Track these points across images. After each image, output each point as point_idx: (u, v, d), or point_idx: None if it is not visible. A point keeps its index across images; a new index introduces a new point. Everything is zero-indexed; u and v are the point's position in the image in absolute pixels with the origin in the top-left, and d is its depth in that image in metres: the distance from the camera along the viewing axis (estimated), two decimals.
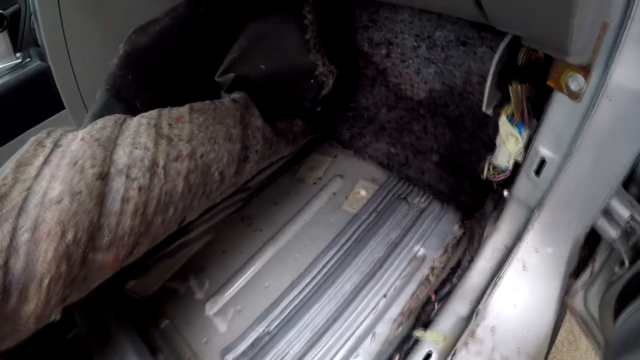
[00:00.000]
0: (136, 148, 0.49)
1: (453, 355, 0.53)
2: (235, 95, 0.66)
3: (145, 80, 0.80)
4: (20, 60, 0.92)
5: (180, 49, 0.81)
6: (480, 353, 0.53)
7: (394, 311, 0.67)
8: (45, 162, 0.46)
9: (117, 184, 0.46)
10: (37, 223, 0.41)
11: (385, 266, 0.71)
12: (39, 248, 0.41)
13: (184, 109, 0.59)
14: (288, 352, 0.67)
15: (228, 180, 0.55)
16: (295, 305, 0.70)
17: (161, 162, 0.48)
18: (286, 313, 0.70)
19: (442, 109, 0.84)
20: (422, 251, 0.72)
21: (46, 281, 0.41)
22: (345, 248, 0.74)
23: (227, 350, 0.70)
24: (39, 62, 0.89)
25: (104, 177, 0.46)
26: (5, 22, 0.87)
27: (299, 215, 0.80)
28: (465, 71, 0.83)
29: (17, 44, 1.01)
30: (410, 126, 0.85)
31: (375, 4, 0.95)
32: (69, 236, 0.42)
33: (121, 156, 0.48)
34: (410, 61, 0.89)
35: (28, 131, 0.85)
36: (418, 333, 0.59)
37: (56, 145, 0.49)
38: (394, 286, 0.70)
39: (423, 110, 0.85)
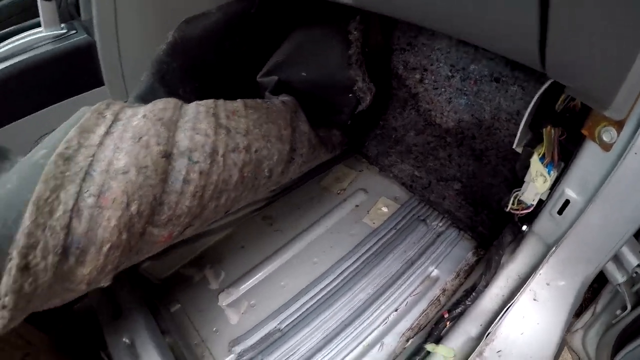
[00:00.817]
0: (197, 133, 0.55)
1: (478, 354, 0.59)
2: (285, 98, 0.73)
3: (190, 70, 0.87)
4: (65, 31, 0.97)
5: (227, 45, 0.87)
6: None
7: (404, 325, 0.73)
8: (107, 132, 0.51)
9: (180, 165, 0.51)
10: (103, 190, 0.46)
11: (399, 282, 0.77)
12: (102, 214, 0.46)
13: (239, 104, 0.65)
14: (297, 350, 0.73)
15: (274, 178, 0.60)
16: (309, 307, 0.76)
17: (220, 151, 0.53)
18: (299, 313, 0.76)
19: (468, 140, 0.92)
20: (435, 272, 0.79)
21: (106, 247, 0.46)
22: (362, 259, 0.80)
23: (236, 341, 0.75)
24: (85, 35, 0.95)
25: (167, 156, 0.51)
26: None
27: (321, 222, 0.86)
28: (495, 107, 0.91)
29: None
30: (436, 152, 0.92)
31: (414, 29, 1.04)
32: (133, 207, 0.47)
33: (183, 139, 0.54)
34: (443, 89, 0.97)
35: (64, 102, 0.90)
36: (429, 347, 0.65)
37: (116, 118, 0.54)
38: (405, 302, 0.76)
39: (450, 139, 0.93)
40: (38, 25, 0.99)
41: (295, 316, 0.76)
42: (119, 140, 0.50)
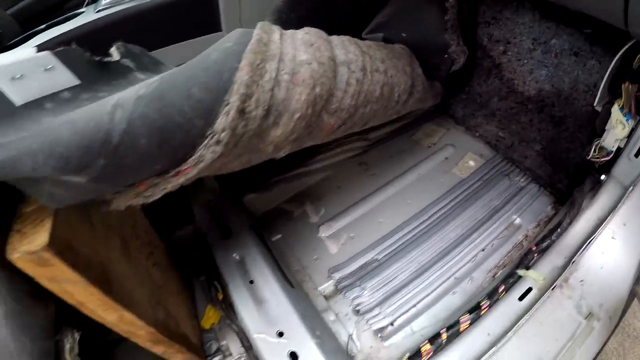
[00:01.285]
0: (349, 52, 0.71)
1: (552, 291, 0.74)
2: (400, 45, 0.89)
3: (305, 21, 1.03)
4: None
5: (339, 2, 1.04)
6: (571, 297, 0.75)
7: (490, 263, 0.90)
8: (281, 36, 0.66)
9: (342, 71, 0.67)
10: (294, 72, 0.61)
11: (485, 226, 0.94)
12: (295, 89, 0.61)
13: (368, 42, 0.81)
14: (393, 279, 0.89)
15: (399, 105, 0.77)
16: (405, 242, 0.93)
17: (368, 68, 0.70)
18: (395, 246, 0.92)
19: (548, 108, 1.08)
20: (518, 220, 0.95)
21: (296, 116, 0.61)
22: (452, 204, 0.97)
23: (335, 269, 0.91)
24: None
25: (334, 60, 0.67)
26: None
27: (413, 170, 1.05)
28: (574, 79, 1.08)
29: None
30: (518, 117, 1.09)
31: (500, 4, 1.21)
32: (317, 90, 0.62)
33: (339, 54, 0.70)
34: (525, 61, 1.14)
35: (180, 43, 1.06)
36: (521, 272, 0.81)
37: (281, 32, 0.69)
38: (492, 243, 0.92)
39: (531, 106, 1.09)
40: None
41: (392, 249, 0.93)
42: (294, 44, 0.66)
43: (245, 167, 0.66)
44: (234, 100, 0.50)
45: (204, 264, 0.97)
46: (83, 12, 1.14)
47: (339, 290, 0.89)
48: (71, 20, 1.13)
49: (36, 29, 1.17)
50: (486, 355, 0.70)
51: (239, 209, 0.96)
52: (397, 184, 1.01)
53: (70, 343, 0.66)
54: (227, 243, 0.90)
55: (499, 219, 0.97)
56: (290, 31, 0.71)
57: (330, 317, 0.87)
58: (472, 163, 1.04)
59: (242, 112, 0.51)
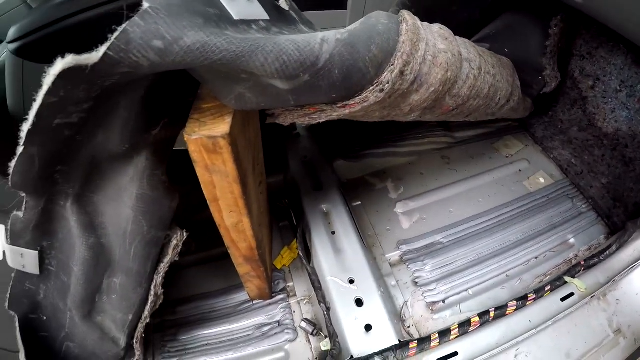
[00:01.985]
0: (470, 52, 0.96)
1: (590, 300, 1.00)
2: (506, 57, 1.15)
3: (423, 18, 1.29)
4: None
5: (454, 8, 1.30)
6: (606, 311, 1.00)
7: (540, 270, 1.14)
8: (423, 26, 0.90)
9: (465, 65, 0.91)
10: (435, 55, 0.82)
11: (542, 237, 1.18)
12: (434, 69, 0.81)
13: (482, 48, 1.07)
14: (452, 262, 1.14)
15: (497, 107, 1.01)
16: (469, 233, 1.17)
17: (483, 69, 0.93)
18: (460, 235, 1.17)
19: (621, 147, 1.32)
20: (572, 240, 1.19)
21: (431, 89, 0.82)
22: (517, 211, 1.21)
23: (404, 242, 1.17)
24: None
25: (460, 55, 0.92)
26: None
27: (489, 173, 1.26)
28: None
29: None
30: (592, 149, 1.32)
31: (597, 41, 1.45)
32: (449, 74, 0.85)
33: (463, 51, 0.93)
34: (610, 100, 1.38)
35: (308, 12, 1.33)
36: (567, 278, 1.05)
37: (422, 23, 0.94)
38: (545, 254, 1.17)
39: (606, 142, 1.33)
40: None
41: (457, 236, 1.17)
42: (432, 34, 0.90)
43: (382, 120, 0.91)
44: (398, 63, 0.74)
45: (290, 210, 1.24)
46: None
47: (403, 261, 1.12)
48: None
49: None
50: (525, 336, 0.94)
51: (331, 169, 1.21)
52: (472, 182, 1.25)
53: (176, 240, 0.92)
54: (317, 195, 1.13)
55: (556, 234, 1.19)
56: (426, 23, 0.96)
57: (391, 282, 1.09)
58: (542, 180, 1.26)
59: (401, 73, 0.75)
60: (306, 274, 1.09)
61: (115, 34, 0.41)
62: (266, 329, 1.06)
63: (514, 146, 1.34)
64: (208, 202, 0.67)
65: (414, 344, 0.87)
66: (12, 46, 1.38)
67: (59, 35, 1.34)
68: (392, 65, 0.68)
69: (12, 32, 1.38)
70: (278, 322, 1.07)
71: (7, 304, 0.85)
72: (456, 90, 0.87)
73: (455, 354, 0.86)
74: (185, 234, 0.82)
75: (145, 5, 0.43)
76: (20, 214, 0.70)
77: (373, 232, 1.17)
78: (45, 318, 0.90)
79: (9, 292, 0.85)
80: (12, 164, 0.56)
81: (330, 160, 1.25)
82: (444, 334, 0.89)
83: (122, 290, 0.82)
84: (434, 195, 1.22)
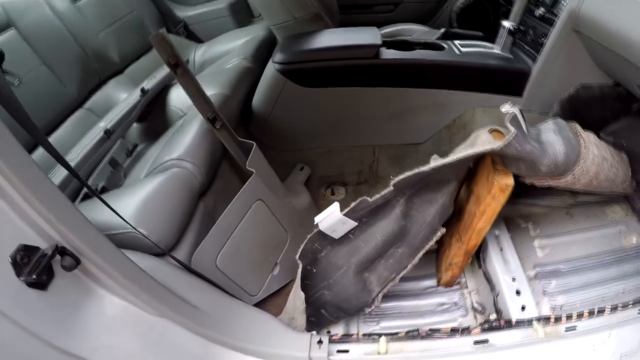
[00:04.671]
0: (606, 153, 2.01)
1: None
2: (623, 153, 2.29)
3: (574, 114, 2.45)
4: (512, 57, 2.53)
5: (605, 114, 2.46)
6: None
7: (626, 298, 2.26)
8: (586, 136, 2.03)
9: (605, 162, 1.88)
10: (593, 158, 1.84)
11: (630, 277, 2.21)
12: (592, 166, 1.79)
13: (611, 148, 2.19)
14: (568, 283, 2.22)
15: (615, 186, 2.11)
16: (581, 266, 2.25)
17: (612, 164, 1.97)
18: (572, 267, 2.23)
19: None
20: None
21: (588, 177, 1.86)
22: (615, 258, 2.24)
23: (538, 265, 2.17)
24: (524, 65, 2.55)
25: (601, 156, 2.04)
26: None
27: (597, 229, 2.21)
28: None
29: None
30: None
31: None
32: (597, 168, 1.75)
33: (604, 154, 2.01)
34: None
35: (481, 94, 2.56)
36: None
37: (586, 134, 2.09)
38: (630, 290, 2.28)
39: None
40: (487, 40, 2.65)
41: (573, 267, 2.25)
42: (590, 142, 2.00)
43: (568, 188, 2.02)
44: (581, 163, 1.83)
45: None
46: (445, 47, 2.49)
47: (536, 277, 2.03)
48: (437, 52, 2.51)
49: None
50: (611, 324, 2.03)
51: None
52: (586, 233, 2.16)
53: (440, 232, 2.02)
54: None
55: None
56: (586, 133, 2.09)
57: (530, 289, 2.23)
58: (634, 240, 2.22)
59: (582, 169, 1.84)
60: (474, 275, 2.22)
61: (507, 139, 1.53)
62: (446, 306, 2.12)
63: (618, 212, 2.41)
64: (478, 213, 1.76)
65: (552, 319, 1.96)
66: (280, 67, 2.53)
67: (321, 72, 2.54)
68: (579, 165, 1.79)
69: (281, 56, 2.54)
70: (455, 302, 2.16)
71: (297, 255, 1.70)
72: (599, 177, 2.00)
73: (574, 328, 1.94)
74: (444, 230, 1.96)
75: (512, 130, 1.56)
76: (370, 199, 1.52)
77: (517, 256, 2.31)
78: (314, 270, 1.78)
79: (301, 247, 1.75)
80: (407, 174, 1.58)
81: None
82: (569, 317, 1.99)
83: (400, 257, 1.89)
84: (560, 238, 2.26)
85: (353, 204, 1.56)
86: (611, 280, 2.18)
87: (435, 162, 1.44)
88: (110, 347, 1.12)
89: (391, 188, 1.51)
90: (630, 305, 1.83)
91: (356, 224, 1.69)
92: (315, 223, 1.57)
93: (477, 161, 1.67)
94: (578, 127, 1.74)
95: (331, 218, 1.55)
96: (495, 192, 1.52)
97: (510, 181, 1.51)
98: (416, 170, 1.40)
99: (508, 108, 1.43)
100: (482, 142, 1.49)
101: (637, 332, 1.69)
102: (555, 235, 2.19)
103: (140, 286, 1.14)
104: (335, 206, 1.56)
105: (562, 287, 2.13)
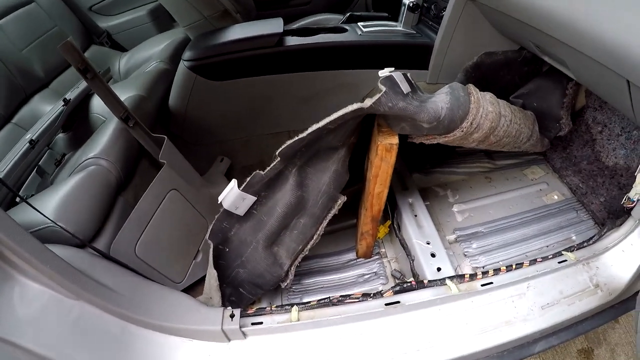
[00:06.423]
0: (506, 110, 2.00)
1: (578, 264, 2.11)
2: (530, 112, 2.32)
3: (479, 79, 2.47)
4: (414, 32, 2.50)
5: (502, 73, 2.51)
6: (588, 272, 1.86)
7: (548, 253, 2.28)
8: (480, 95, 2.06)
9: (502, 119, 1.78)
10: (486, 114, 1.65)
11: (552, 234, 2.11)
12: (485, 122, 1.61)
13: (514, 106, 2.21)
14: (490, 244, 2.14)
15: (520, 143, 2.03)
16: (501, 227, 2.18)
17: (512, 120, 1.76)
18: (495, 227, 2.19)
19: (618, 176, 2.37)
20: (574, 237, 2.18)
21: (483, 133, 1.75)
22: (536, 215, 2.22)
23: (458, 229, 2.15)
24: (427, 39, 2.57)
25: (499, 113, 2.06)
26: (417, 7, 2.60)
27: (518, 190, 2.13)
28: None
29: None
30: (595, 177, 2.37)
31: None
32: (492, 124, 1.58)
33: (502, 111, 1.92)
34: (612, 141, 2.44)
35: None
36: (563, 251, 2.13)
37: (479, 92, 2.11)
38: (553, 245, 2.23)
39: (607, 172, 2.37)
40: (393, 20, 2.68)
41: (493, 228, 2.14)
42: (484, 100, 1.95)
43: (460, 145, 1.86)
44: (469, 119, 1.75)
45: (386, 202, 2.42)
46: (347, 30, 2.47)
47: (457, 240, 1.97)
48: (338, 34, 2.57)
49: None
50: (533, 277, 2.04)
51: (411, 178, 2.31)
52: (506, 195, 2.12)
53: (340, 200, 1.74)
54: (405, 192, 2.05)
55: (562, 233, 2.04)
56: (482, 93, 2.12)
57: (450, 252, 2.21)
58: (555, 197, 2.16)
59: (470, 124, 1.83)
60: (393, 244, 2.24)
61: (376, 97, 1.50)
62: (367, 276, 2.08)
63: (537, 173, 2.44)
64: (371, 177, 1.64)
65: (467, 276, 1.96)
66: (189, 64, 2.53)
67: (228, 64, 2.59)
68: (467, 120, 1.74)
69: (189, 54, 2.54)
70: (375, 272, 2.15)
71: (207, 235, 1.65)
72: (496, 133, 1.97)
73: (490, 283, 1.93)
74: (344, 197, 1.99)
75: (383, 89, 1.47)
76: (262, 172, 1.47)
77: (437, 221, 2.32)
78: (227, 250, 1.73)
79: (210, 227, 1.58)
80: (288, 142, 1.50)
81: (411, 172, 2.43)
82: (485, 273, 2.01)
83: (304, 228, 1.85)
84: (479, 201, 2.25)
85: (248, 179, 1.63)
86: (533, 237, 2.19)
87: (312, 127, 1.51)
88: (31, 327, 1.25)
89: (278, 159, 1.56)
90: (550, 257, 1.89)
91: (255, 198, 1.71)
92: (219, 202, 1.62)
93: (371, 130, 1.72)
94: (472, 87, 1.80)
95: (231, 195, 1.64)
96: (381, 152, 1.56)
97: (394, 140, 1.55)
98: (296, 138, 1.47)
99: (385, 72, 1.52)
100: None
101: (558, 282, 1.79)
102: (474, 200, 2.23)
103: (51, 267, 1.24)
104: (233, 183, 1.63)
105: (482, 248, 2.13)
